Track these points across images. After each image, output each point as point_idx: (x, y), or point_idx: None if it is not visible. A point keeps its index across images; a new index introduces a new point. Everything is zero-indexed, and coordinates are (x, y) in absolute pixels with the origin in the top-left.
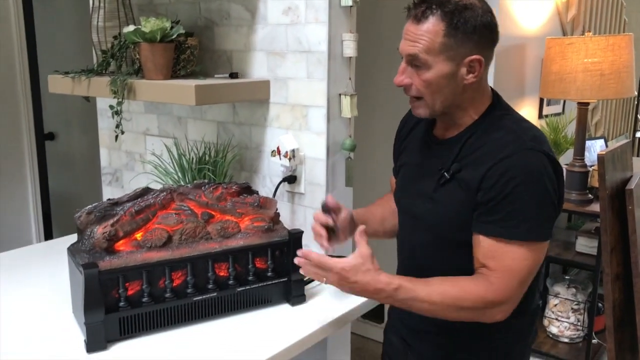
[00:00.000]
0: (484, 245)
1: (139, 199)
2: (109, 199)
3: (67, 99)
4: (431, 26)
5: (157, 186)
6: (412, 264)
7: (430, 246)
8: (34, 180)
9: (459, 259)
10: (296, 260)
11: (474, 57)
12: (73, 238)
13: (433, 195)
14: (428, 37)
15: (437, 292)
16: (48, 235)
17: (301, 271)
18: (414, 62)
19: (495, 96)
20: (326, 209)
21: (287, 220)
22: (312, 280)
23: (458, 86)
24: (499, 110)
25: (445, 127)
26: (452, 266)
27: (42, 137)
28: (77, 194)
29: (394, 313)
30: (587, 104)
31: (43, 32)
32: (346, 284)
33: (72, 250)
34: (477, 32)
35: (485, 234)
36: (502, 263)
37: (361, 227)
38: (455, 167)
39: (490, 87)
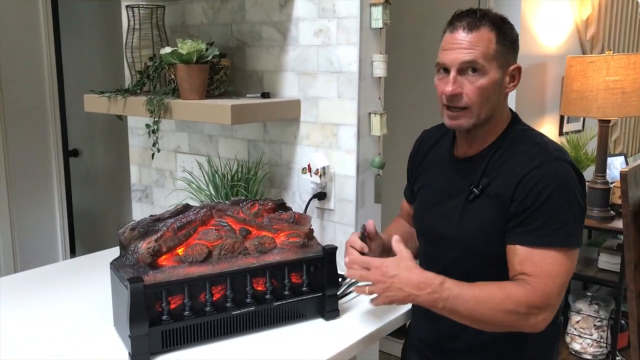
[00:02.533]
0: (521, 254)
1: (180, 215)
2: (151, 215)
3: (91, 116)
4: (485, 34)
5: (190, 202)
6: None
7: (461, 264)
8: (60, 197)
9: (489, 274)
10: (346, 259)
11: (516, 66)
12: (99, 255)
13: (462, 212)
14: (483, 43)
15: (483, 292)
16: (71, 251)
17: (346, 273)
18: (473, 67)
19: (514, 113)
20: (364, 236)
21: (317, 236)
22: (345, 295)
23: (501, 95)
24: (519, 125)
25: (468, 145)
26: (482, 281)
27: (67, 153)
28: (100, 210)
29: (413, 332)
30: (609, 121)
31: (68, 51)
32: (387, 279)
33: (116, 265)
34: (516, 42)
35: (522, 244)
36: (541, 269)
37: (396, 236)
38: (485, 181)
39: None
